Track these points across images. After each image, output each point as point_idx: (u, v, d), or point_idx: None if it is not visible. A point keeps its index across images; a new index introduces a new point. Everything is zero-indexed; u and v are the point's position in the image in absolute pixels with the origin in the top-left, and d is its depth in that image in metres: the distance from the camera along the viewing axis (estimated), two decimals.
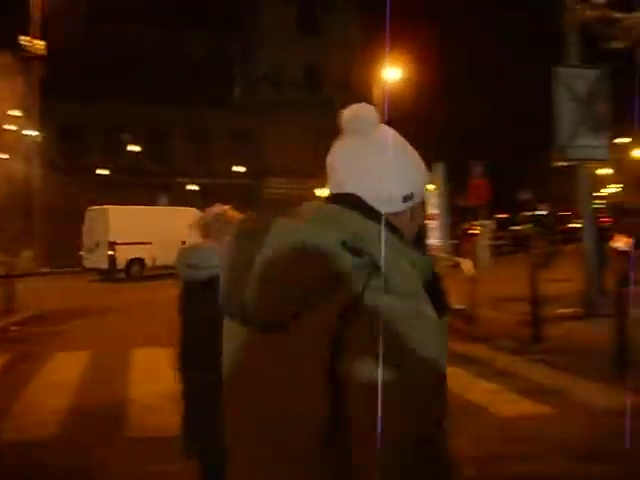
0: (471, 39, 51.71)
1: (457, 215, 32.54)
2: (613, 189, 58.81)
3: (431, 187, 14.07)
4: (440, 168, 13.92)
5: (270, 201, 46.59)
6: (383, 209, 1.53)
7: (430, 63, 43.03)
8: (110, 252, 26.15)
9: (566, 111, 11.37)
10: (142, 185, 40.26)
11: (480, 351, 10.42)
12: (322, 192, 48.26)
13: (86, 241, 27.10)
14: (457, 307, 11.08)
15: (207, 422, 3.40)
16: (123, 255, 26.37)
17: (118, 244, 26.15)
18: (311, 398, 1.40)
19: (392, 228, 1.51)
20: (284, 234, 1.46)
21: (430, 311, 1.41)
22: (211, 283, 3.28)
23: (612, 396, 7.44)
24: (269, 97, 48.96)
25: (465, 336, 11.26)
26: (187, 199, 39.57)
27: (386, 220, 1.50)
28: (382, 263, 1.40)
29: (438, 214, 14.15)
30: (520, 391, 7.94)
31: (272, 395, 1.47)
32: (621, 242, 15.58)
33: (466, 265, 12.38)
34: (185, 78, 43.98)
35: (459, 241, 23.89)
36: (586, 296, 12.44)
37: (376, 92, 39.79)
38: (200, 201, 42.37)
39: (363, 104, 1.66)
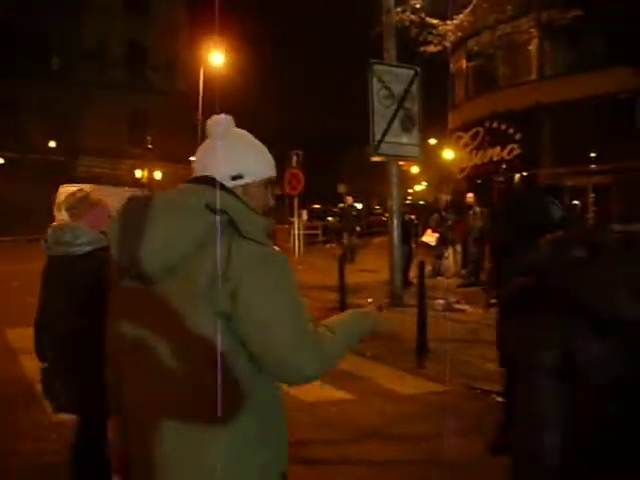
0: (294, 32, 52.36)
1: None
2: (420, 186, 61.60)
3: None
4: None
5: (84, 179, 44.77)
6: (226, 184, 2.13)
7: (253, 51, 43.12)
8: None
9: (380, 108, 11.77)
10: None
11: None
12: (140, 173, 47.28)
13: (57, 215, 28.83)
14: None
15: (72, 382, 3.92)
16: None
17: None
18: (198, 327, 1.88)
19: (237, 197, 2.09)
20: (164, 202, 2.01)
21: (276, 252, 2.02)
22: (82, 258, 3.94)
23: (411, 382, 7.85)
24: (89, 73, 47.11)
25: None
26: None
27: (233, 191, 2.11)
28: (237, 219, 1.96)
29: None
30: (325, 377, 8.11)
31: (167, 334, 1.93)
32: (429, 237, 16.40)
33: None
34: None
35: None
36: (392, 287, 12.95)
37: (202, 76, 39.37)
38: (8, 176, 40.19)
39: (222, 115, 2.22)
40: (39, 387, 4.09)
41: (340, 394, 7.31)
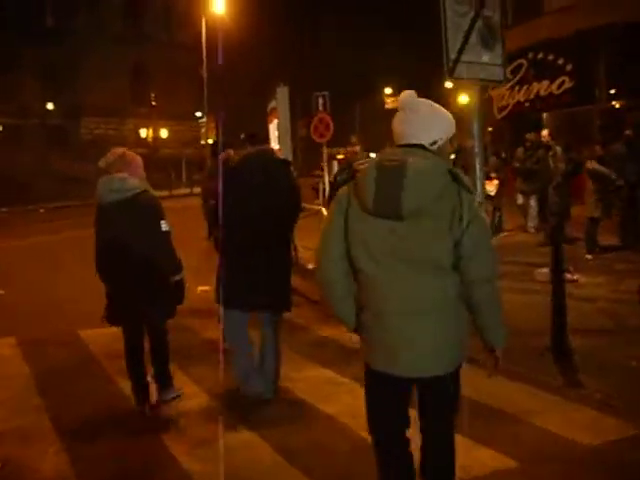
0: None
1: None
2: None
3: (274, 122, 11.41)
4: (285, 92, 11.01)
5: (86, 142, 42.51)
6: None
7: None
8: None
9: (454, 16, 8.70)
10: None
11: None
12: (145, 132, 44.75)
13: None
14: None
15: None
16: None
17: None
18: (441, 245, 2.93)
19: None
20: (417, 165, 2.89)
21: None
22: (131, 199, 5.06)
23: (571, 417, 5.01)
24: (85, 27, 44.12)
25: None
26: None
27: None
28: (461, 177, 2.99)
29: (279, 149, 11.23)
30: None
31: (416, 250, 2.95)
32: (488, 185, 13.81)
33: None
34: None
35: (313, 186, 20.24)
36: None
37: (204, 24, 36.42)
38: (4, 143, 37.66)
39: (412, 91, 3.12)
40: None
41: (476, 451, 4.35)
